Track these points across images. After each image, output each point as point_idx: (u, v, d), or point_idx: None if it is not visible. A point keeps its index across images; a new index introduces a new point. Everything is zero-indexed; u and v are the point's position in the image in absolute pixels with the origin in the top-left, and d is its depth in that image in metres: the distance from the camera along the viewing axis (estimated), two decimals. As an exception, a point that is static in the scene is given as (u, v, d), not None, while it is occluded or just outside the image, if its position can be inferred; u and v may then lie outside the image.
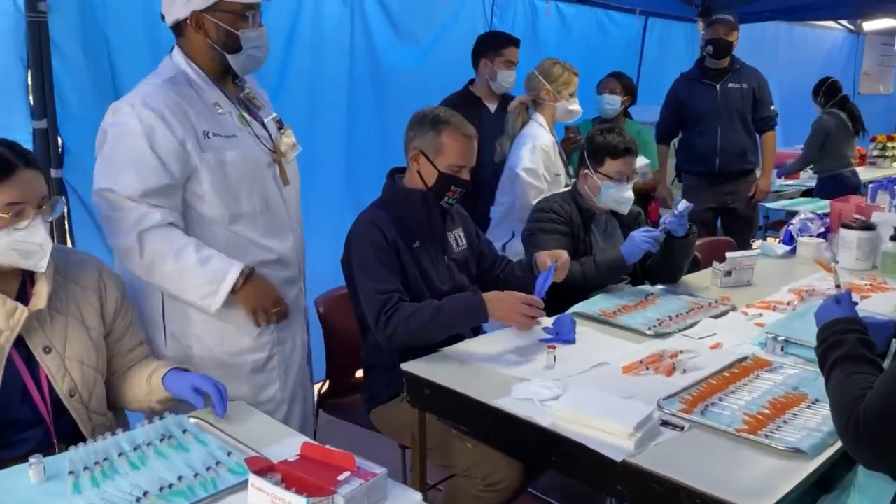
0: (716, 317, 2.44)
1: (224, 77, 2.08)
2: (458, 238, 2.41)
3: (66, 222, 2.87)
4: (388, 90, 3.88)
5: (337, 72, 3.66)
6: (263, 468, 1.34)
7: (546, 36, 4.78)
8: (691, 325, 2.34)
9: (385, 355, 2.23)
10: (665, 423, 1.65)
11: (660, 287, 2.77)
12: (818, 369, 1.96)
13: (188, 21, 1.97)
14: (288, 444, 1.54)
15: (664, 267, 2.82)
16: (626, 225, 2.89)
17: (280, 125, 2.21)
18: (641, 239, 2.59)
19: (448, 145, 2.21)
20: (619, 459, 1.51)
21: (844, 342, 1.46)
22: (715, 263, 2.88)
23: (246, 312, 2.03)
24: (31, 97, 2.69)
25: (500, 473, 2.01)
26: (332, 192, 3.70)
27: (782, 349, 2.09)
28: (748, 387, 1.85)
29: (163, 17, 2.06)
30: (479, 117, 3.61)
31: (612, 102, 4.03)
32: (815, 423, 1.63)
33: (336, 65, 3.65)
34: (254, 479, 1.29)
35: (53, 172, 2.75)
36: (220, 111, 2.03)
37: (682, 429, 1.64)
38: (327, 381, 2.57)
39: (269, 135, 2.15)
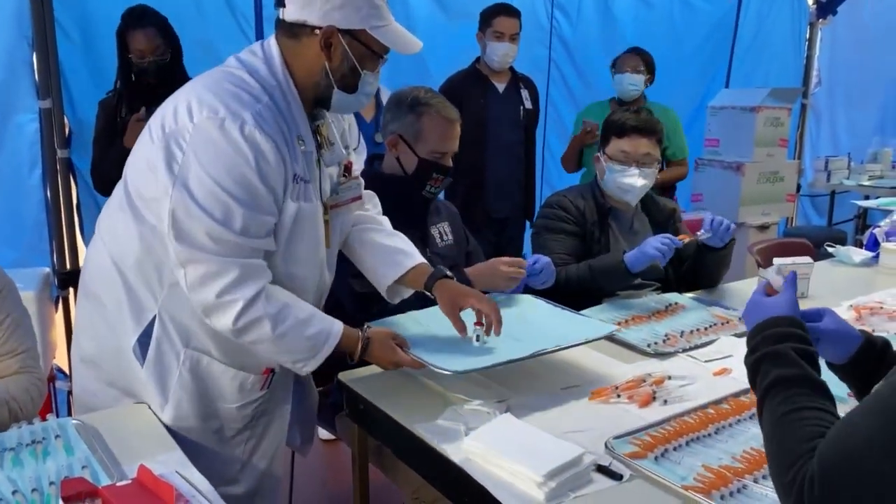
0: (739, 335, 2.05)
1: (309, 105, 1.62)
2: (442, 232, 2.19)
3: (76, 206, 2.85)
4: (437, 78, 3.45)
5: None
6: (82, 493, 1.17)
7: (622, 14, 4.38)
8: (703, 345, 1.98)
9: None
10: (602, 469, 1.34)
11: (690, 296, 2.39)
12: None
13: (316, 31, 1.50)
14: (162, 461, 1.38)
15: (698, 276, 2.45)
16: (659, 223, 2.52)
17: (347, 171, 1.76)
18: (653, 247, 2.20)
19: (429, 130, 2.04)
20: (518, 513, 1.23)
21: (783, 356, 1.05)
22: (760, 271, 2.47)
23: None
24: (36, 76, 2.69)
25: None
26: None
27: (801, 382, 1.70)
28: (734, 429, 1.50)
29: (280, 2, 1.54)
30: (484, 96, 3.32)
31: (636, 82, 3.54)
32: (792, 487, 1.27)
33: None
34: (62, 506, 1.13)
35: (59, 153, 2.74)
36: (302, 148, 1.58)
37: (620, 478, 1.32)
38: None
39: (330, 183, 1.71)
